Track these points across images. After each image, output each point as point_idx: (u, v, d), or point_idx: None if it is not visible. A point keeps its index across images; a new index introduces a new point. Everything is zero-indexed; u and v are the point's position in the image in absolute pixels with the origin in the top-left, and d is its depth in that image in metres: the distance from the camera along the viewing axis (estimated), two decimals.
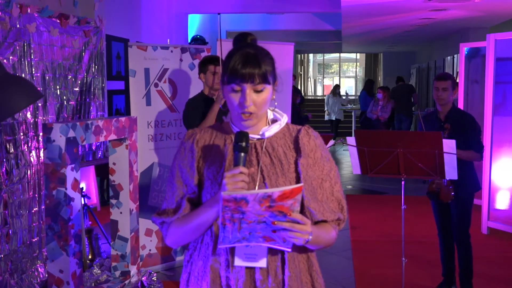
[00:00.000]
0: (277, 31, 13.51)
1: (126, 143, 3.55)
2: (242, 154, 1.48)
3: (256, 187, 1.55)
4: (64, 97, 4.03)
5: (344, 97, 15.86)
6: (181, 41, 8.45)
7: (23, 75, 3.49)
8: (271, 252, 1.54)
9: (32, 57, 3.60)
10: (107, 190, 6.33)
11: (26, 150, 3.52)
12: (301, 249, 1.58)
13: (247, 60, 1.51)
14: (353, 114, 13.83)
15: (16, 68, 3.45)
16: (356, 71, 29.40)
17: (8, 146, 3.34)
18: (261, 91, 1.53)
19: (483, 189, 5.38)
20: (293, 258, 1.57)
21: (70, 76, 4.09)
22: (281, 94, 4.21)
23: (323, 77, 29.42)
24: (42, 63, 3.73)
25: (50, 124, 2.87)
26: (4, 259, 3.28)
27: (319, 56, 28.62)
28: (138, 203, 3.67)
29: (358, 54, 26.83)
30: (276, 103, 1.65)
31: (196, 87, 4.38)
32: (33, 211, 3.58)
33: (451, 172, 3.31)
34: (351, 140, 3.47)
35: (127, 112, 6.55)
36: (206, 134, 1.66)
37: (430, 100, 13.85)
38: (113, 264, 3.61)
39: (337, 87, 14.55)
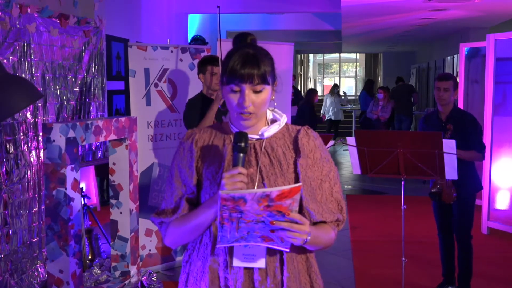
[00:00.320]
0: (277, 31, 13.50)
1: (126, 143, 3.55)
2: (241, 154, 1.47)
3: (255, 188, 1.54)
4: (64, 97, 4.03)
5: (343, 97, 15.85)
6: (181, 41, 8.44)
7: (23, 75, 3.49)
8: (270, 252, 1.53)
9: (32, 57, 3.60)
10: (107, 190, 6.33)
11: (26, 150, 3.52)
12: (300, 250, 1.58)
13: (246, 61, 1.51)
14: (353, 114, 13.83)
15: (16, 68, 3.45)
16: (356, 71, 29.37)
17: (8, 146, 3.34)
18: (260, 91, 1.53)
19: (483, 189, 5.38)
20: (292, 259, 1.57)
21: (70, 76, 4.09)
22: (281, 94, 4.21)
23: (323, 77, 29.38)
24: (42, 63, 3.73)
25: (50, 124, 2.87)
26: (4, 259, 3.28)
27: (319, 56, 28.57)
28: (138, 203, 3.67)
29: (358, 54, 26.80)
30: (275, 103, 1.64)
31: (196, 87, 4.38)
32: (33, 211, 3.58)
33: (451, 172, 3.31)
34: (351, 140, 3.47)
35: (127, 112, 6.55)
36: (205, 134, 1.65)
37: (430, 100, 13.85)
38: (113, 264, 3.61)
39: (336, 86, 14.55)
